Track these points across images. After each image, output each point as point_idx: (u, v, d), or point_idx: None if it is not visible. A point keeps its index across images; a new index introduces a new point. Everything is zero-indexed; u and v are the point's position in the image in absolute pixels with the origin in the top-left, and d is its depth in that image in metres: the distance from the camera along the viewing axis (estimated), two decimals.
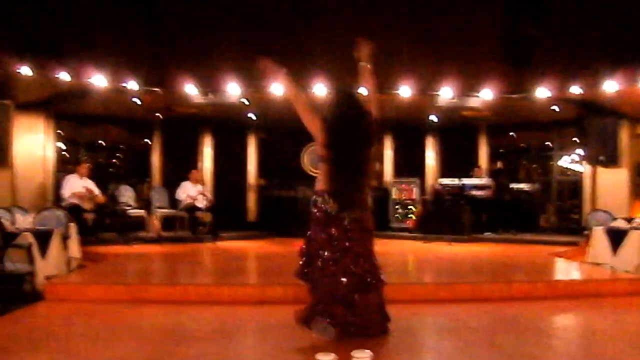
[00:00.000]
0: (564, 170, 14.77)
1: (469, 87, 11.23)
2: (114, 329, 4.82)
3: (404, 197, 14.38)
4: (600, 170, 12.85)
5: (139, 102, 11.67)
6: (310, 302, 4.35)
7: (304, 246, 4.44)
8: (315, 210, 4.33)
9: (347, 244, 4.24)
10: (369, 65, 4.48)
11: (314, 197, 4.38)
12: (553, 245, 11.13)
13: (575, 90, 10.96)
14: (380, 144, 14.92)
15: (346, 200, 4.24)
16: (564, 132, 14.25)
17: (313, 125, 4.37)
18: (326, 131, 4.30)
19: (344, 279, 4.20)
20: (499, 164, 15.24)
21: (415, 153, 15.26)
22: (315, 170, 7.52)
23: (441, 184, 13.66)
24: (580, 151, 13.52)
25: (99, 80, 10.35)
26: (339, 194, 4.23)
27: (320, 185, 4.34)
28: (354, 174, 4.27)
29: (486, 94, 11.35)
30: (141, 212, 12.24)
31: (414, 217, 13.77)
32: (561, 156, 14.59)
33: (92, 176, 11.62)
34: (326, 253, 4.24)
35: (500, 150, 15.94)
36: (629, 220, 8.87)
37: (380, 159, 15.15)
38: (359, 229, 4.30)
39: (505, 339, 4.55)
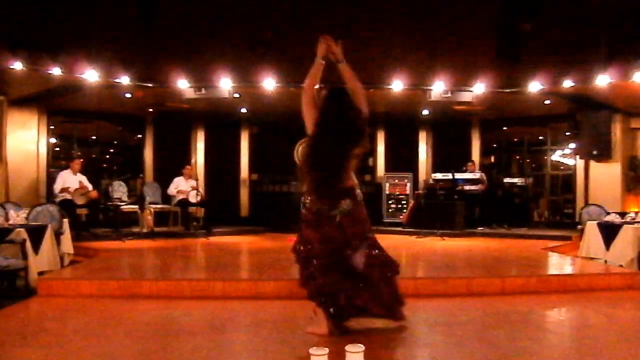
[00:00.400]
0: (557, 165, 14.83)
1: (461, 82, 11.23)
2: (106, 324, 4.81)
3: (396, 192, 14.40)
4: (594, 164, 12.91)
5: (128, 96, 11.62)
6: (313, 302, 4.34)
7: (296, 246, 4.37)
8: (305, 211, 4.32)
9: (342, 241, 4.22)
10: (344, 63, 4.35)
11: (302, 198, 4.34)
12: (546, 239, 11.17)
13: (568, 84, 10.96)
14: (372, 138, 14.93)
15: (330, 197, 4.20)
16: (557, 126, 14.27)
17: (309, 117, 4.31)
18: (315, 124, 4.27)
19: (345, 271, 4.20)
20: (492, 159, 15.30)
21: (408, 148, 15.29)
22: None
23: (434, 179, 13.68)
24: (573, 145, 13.55)
25: (91, 75, 10.31)
26: (322, 191, 4.19)
27: (305, 185, 4.31)
28: (333, 167, 4.19)
29: (479, 89, 11.34)
30: (134, 207, 12.20)
31: (406, 212, 13.77)
32: (554, 150, 14.64)
33: (85, 172, 11.61)
34: (322, 250, 4.23)
35: (493, 145, 16.01)
36: (622, 214, 8.92)
37: (372, 153, 15.17)
38: (351, 221, 4.25)
39: (499, 333, 4.55)
